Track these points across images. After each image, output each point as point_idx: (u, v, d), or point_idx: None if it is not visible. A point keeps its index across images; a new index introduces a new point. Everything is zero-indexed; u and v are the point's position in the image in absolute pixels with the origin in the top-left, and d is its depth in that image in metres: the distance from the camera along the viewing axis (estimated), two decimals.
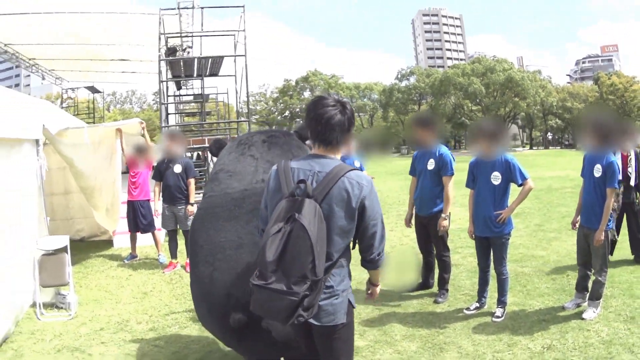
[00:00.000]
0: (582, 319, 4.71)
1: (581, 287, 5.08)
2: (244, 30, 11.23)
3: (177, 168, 7.51)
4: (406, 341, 4.50)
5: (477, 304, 5.16)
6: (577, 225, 5.04)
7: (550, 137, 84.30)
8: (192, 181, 7.62)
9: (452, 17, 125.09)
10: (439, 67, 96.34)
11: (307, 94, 74.76)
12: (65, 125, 6.48)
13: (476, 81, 66.04)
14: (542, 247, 7.89)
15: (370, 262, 2.55)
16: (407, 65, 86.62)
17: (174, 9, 10.85)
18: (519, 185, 4.84)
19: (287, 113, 75.57)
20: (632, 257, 6.70)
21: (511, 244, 7.10)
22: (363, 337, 4.57)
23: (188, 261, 6.74)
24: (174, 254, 7.73)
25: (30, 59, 15.78)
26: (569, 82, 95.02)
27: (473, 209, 5.07)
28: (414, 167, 5.81)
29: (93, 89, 21.43)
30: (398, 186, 17.80)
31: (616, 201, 4.79)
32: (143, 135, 8.69)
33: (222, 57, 12.20)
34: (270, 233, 2.24)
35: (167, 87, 12.37)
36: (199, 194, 8.12)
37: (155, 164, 7.87)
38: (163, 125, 11.42)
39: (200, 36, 12.24)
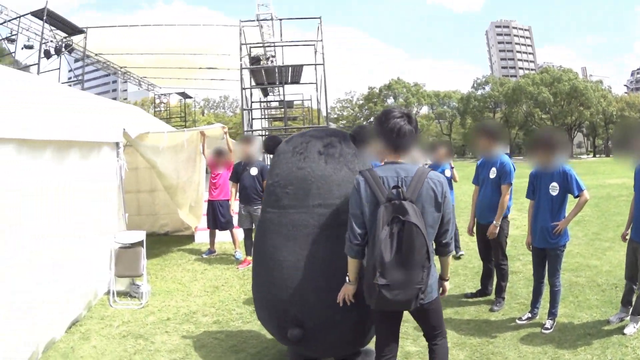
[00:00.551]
0: (623, 334, 4.55)
1: (626, 300, 4.88)
2: (321, 40, 11.47)
3: (254, 171, 7.83)
4: (456, 349, 4.45)
5: (529, 315, 5.03)
6: (627, 238, 4.82)
7: (611, 145, 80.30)
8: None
9: (521, 29, 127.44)
10: (511, 76, 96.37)
11: (390, 101, 75.89)
12: (146, 130, 6.92)
13: (544, 90, 67.24)
14: (597, 257, 7.61)
15: (445, 246, 2.98)
16: (482, 75, 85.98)
17: (254, 20, 11.24)
18: (575, 197, 4.68)
19: (371, 119, 76.40)
20: None
21: (569, 252, 6.84)
22: (416, 343, 4.55)
23: (249, 259, 7.03)
24: (248, 251, 8.01)
25: (121, 67, 17.02)
26: (625, 92, 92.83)
27: (531, 219, 4.97)
28: (477, 175, 5.75)
29: (184, 95, 22.65)
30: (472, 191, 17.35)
31: None
32: (225, 139, 9.10)
33: (301, 66, 12.46)
34: (381, 237, 2.59)
35: (252, 94, 12.79)
36: None
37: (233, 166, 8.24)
38: (246, 129, 11.86)
39: (280, 46, 12.59)
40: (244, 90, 11.57)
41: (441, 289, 3.16)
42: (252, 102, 12.36)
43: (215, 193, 8.67)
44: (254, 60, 12.72)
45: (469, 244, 7.86)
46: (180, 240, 10.33)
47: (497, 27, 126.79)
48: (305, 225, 3.41)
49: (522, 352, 4.33)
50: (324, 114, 14.00)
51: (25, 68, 13.28)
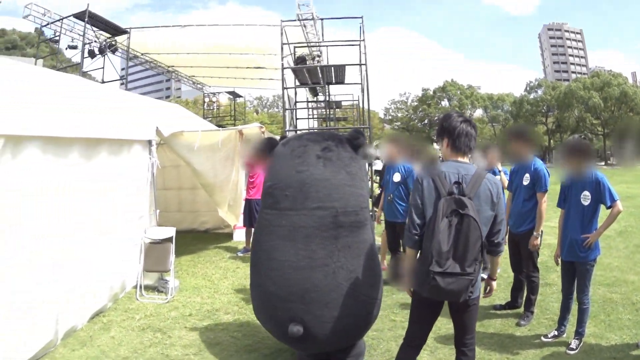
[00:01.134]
0: None
1: None
2: (363, 40, 11.39)
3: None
4: None
5: (556, 332, 4.76)
6: None
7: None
8: None
9: (573, 32, 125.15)
10: (564, 80, 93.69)
11: (444, 103, 74.97)
12: (180, 128, 7.06)
13: (595, 95, 65.21)
14: (635, 272, 7.09)
15: (497, 245, 3.13)
16: (535, 78, 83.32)
17: (295, 20, 11.27)
18: (608, 208, 4.38)
19: (426, 121, 75.52)
20: None
21: (607, 265, 6.53)
22: (433, 355, 4.47)
23: None
24: None
25: (169, 67, 17.50)
26: None
27: (561, 231, 4.71)
28: (511, 181, 5.54)
29: (234, 94, 23.05)
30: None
31: None
32: None
33: (343, 66, 12.41)
34: (440, 227, 2.76)
35: (296, 93, 12.83)
36: None
37: None
38: (287, 129, 11.91)
39: (321, 45, 12.57)
40: (285, 90, 11.62)
41: (488, 287, 3.34)
42: (296, 101, 12.35)
43: (252, 192, 8.80)
44: (299, 60, 12.72)
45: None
46: (219, 237, 10.49)
47: (549, 29, 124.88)
48: (305, 226, 3.49)
49: None
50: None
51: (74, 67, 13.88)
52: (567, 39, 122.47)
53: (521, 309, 5.45)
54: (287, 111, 12.46)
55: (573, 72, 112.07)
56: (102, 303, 5.55)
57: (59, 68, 12.29)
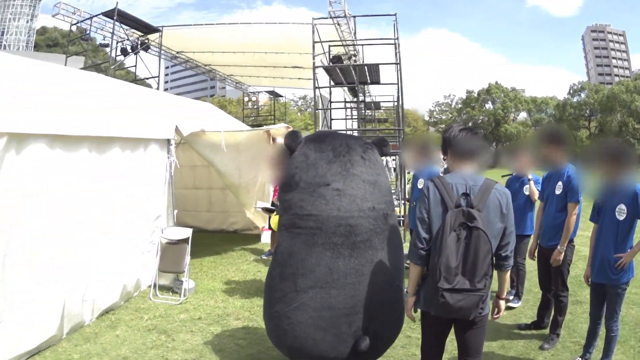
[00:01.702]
0: None
1: None
2: (396, 39, 11.13)
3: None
4: None
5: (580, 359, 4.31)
6: None
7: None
8: None
9: (616, 34, 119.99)
10: (607, 83, 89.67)
11: (488, 106, 73.72)
12: (200, 128, 7.00)
13: (638, 99, 62.67)
14: None
15: (505, 259, 2.91)
16: (578, 81, 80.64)
17: (327, 17, 11.10)
18: None
19: (470, 124, 74.63)
20: None
21: None
22: None
23: None
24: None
25: (205, 65, 17.66)
26: None
27: (592, 248, 4.22)
28: (543, 190, 5.11)
29: (274, 94, 23.15)
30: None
31: None
32: None
33: (377, 65, 12.19)
34: (448, 242, 2.62)
35: (330, 93, 12.66)
36: None
37: None
38: (316, 130, 11.76)
39: (355, 45, 12.37)
40: (318, 90, 11.46)
41: (496, 308, 3.07)
42: (331, 101, 12.19)
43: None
44: (335, 59, 12.55)
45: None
46: (247, 239, 10.38)
47: (592, 31, 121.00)
48: (362, 230, 3.26)
49: None
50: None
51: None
52: (610, 40, 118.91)
53: (547, 330, 5.00)
54: (320, 111, 12.29)
55: (616, 75, 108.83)
56: (112, 301, 5.55)
57: (89, 66, 12.54)
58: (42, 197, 4.48)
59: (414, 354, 4.52)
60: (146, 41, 13.72)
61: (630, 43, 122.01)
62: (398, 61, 11.29)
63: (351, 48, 12.82)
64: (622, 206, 3.87)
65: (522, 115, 75.26)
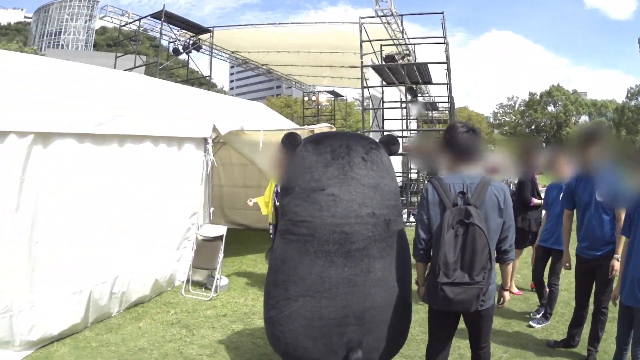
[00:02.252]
0: None
1: None
2: (444, 37, 10.86)
3: None
4: None
5: None
6: None
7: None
8: None
9: None
10: None
11: (550, 109, 71.58)
12: (239, 127, 7.09)
13: None
14: None
15: (505, 253, 3.05)
16: (635, 84, 75.55)
17: (374, 17, 10.96)
18: None
19: (533, 127, 71.68)
20: None
21: None
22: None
23: None
24: None
25: (263, 65, 17.90)
26: None
27: (622, 265, 3.81)
28: (570, 197, 4.63)
29: (334, 93, 23.18)
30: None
31: None
32: None
33: (426, 64, 11.93)
34: (446, 239, 2.78)
35: (383, 92, 12.49)
36: None
37: None
38: (367, 131, 11.66)
39: (407, 44, 12.16)
40: (367, 89, 11.34)
41: (501, 299, 3.25)
42: (383, 101, 12.03)
43: None
44: (389, 58, 12.39)
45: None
46: None
47: None
48: (360, 237, 3.09)
49: None
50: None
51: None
52: None
53: (577, 349, 4.63)
54: (371, 111, 12.16)
55: None
56: (142, 294, 5.72)
57: (138, 65, 13.02)
58: (71, 192, 4.72)
59: (409, 356, 4.46)
60: (198, 41, 14.12)
61: None
62: (447, 60, 11.06)
63: (404, 47, 12.58)
64: None
65: (584, 118, 71.90)
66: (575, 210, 4.57)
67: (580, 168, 4.51)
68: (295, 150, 3.34)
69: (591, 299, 4.49)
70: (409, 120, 15.99)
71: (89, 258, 4.90)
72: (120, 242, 5.33)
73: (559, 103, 70.84)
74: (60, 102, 4.82)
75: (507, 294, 3.25)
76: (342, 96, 24.93)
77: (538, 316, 5.35)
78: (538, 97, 74.08)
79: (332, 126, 9.20)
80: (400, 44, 12.16)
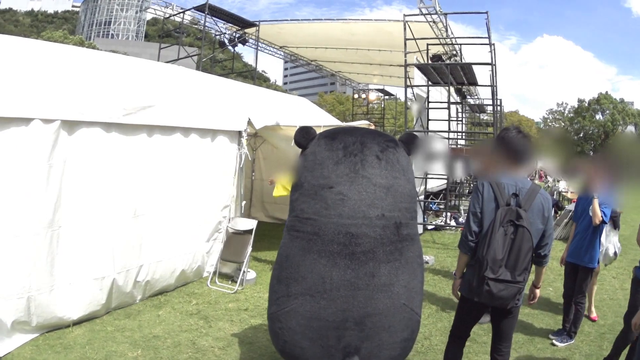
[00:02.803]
0: None
1: None
2: (488, 37, 10.60)
3: None
4: None
5: None
6: None
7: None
8: None
9: None
10: None
11: (598, 117, 68.59)
12: (274, 121, 7.08)
13: None
14: None
15: (544, 257, 3.25)
16: None
17: (418, 14, 10.73)
18: None
19: (581, 134, 68.70)
20: None
21: None
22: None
23: None
24: None
25: (312, 61, 17.87)
26: None
27: None
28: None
29: (384, 92, 22.99)
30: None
31: None
32: None
33: (470, 65, 11.71)
34: (497, 236, 2.98)
35: (428, 92, 12.25)
36: None
37: None
38: (410, 130, 11.44)
39: (451, 44, 11.88)
40: (411, 89, 11.12)
41: (532, 295, 3.49)
42: (429, 101, 11.77)
43: None
44: (436, 58, 12.15)
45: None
46: None
47: None
48: (365, 240, 2.94)
49: None
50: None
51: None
52: None
53: None
54: (415, 110, 11.92)
55: None
56: (167, 283, 5.81)
57: (182, 57, 13.23)
58: (97, 179, 4.83)
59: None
60: (244, 35, 14.23)
61: None
62: (493, 62, 10.93)
63: (451, 47, 12.32)
64: None
65: (629, 128, 68.23)
66: None
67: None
68: (308, 145, 3.22)
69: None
70: (457, 122, 15.64)
71: (113, 246, 4.99)
72: (146, 232, 5.42)
73: (607, 112, 68.07)
74: (89, 90, 4.91)
75: (537, 291, 3.49)
76: (393, 95, 24.62)
77: (562, 335, 5.04)
78: (586, 105, 71.47)
79: (371, 124, 9.03)
80: (445, 44, 11.90)
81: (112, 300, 5.06)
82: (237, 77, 17.07)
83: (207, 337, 4.70)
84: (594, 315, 5.63)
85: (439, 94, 13.18)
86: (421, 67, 11.38)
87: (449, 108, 11.18)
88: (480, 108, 20.45)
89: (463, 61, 12.19)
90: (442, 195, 13.27)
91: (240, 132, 6.67)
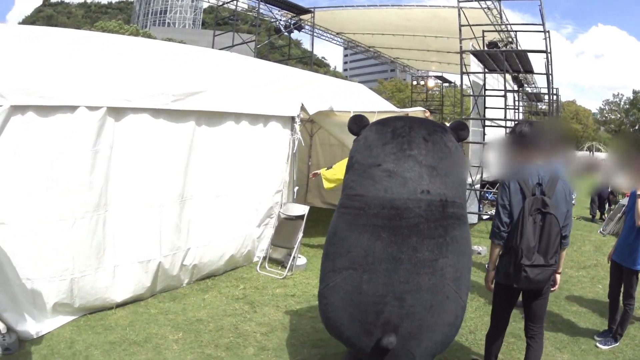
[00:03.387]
0: None
1: None
2: (542, 25, 10.36)
3: None
4: None
5: None
6: None
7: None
8: None
9: None
10: None
11: None
12: (328, 106, 6.95)
13: None
14: None
15: (564, 239, 3.35)
16: None
17: (472, 0, 10.31)
18: None
19: (637, 126, 64.17)
20: None
21: None
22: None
23: None
24: None
25: (369, 47, 17.57)
26: None
27: None
28: None
29: (443, 79, 22.53)
30: None
31: None
32: None
33: (525, 52, 11.55)
34: (527, 225, 3.15)
35: (485, 79, 11.81)
36: None
37: None
38: (466, 117, 11.10)
39: (507, 30, 11.36)
40: (467, 76, 10.74)
41: (552, 281, 3.50)
42: (485, 89, 11.36)
43: None
44: (492, 45, 11.82)
45: None
46: None
47: None
48: (410, 215, 2.97)
49: None
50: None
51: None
52: None
53: None
54: (471, 98, 11.56)
55: None
56: (214, 267, 5.86)
57: (237, 44, 13.25)
58: (144, 164, 4.90)
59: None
60: (299, 21, 14.14)
61: None
62: (548, 50, 10.46)
63: (507, 34, 12.02)
64: None
65: None
66: None
67: None
68: (360, 132, 3.37)
69: None
70: (514, 111, 15.00)
71: (160, 229, 5.06)
72: (194, 216, 5.48)
73: None
74: (137, 78, 4.98)
75: (558, 277, 3.55)
76: (451, 82, 23.98)
77: (607, 337, 4.68)
78: None
79: (427, 110, 8.76)
80: (500, 30, 11.52)
81: (157, 284, 5.14)
82: (297, 63, 17.10)
83: (251, 322, 4.70)
84: None
85: (496, 81, 12.82)
86: (477, 54, 11.17)
87: (505, 96, 10.78)
88: (538, 97, 19.70)
89: (519, 48, 11.68)
90: (498, 184, 12.79)
91: (293, 118, 6.62)
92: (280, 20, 14.35)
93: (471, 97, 11.36)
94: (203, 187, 5.54)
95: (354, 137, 3.41)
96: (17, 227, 4.06)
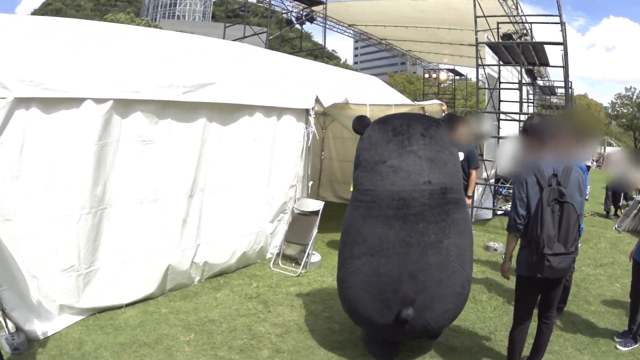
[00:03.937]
0: None
1: None
2: (559, 16, 10.13)
3: (460, 156, 7.01)
4: None
5: None
6: None
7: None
8: (474, 172, 7.07)
9: None
10: None
11: None
12: (343, 99, 6.76)
13: None
14: None
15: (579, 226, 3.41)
16: None
17: None
18: None
19: None
20: None
21: None
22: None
23: None
24: None
25: (381, 39, 17.35)
26: None
27: None
28: None
29: (455, 72, 22.35)
30: None
31: None
32: None
33: (541, 44, 11.30)
34: (546, 216, 3.19)
35: (499, 72, 11.58)
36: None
37: None
38: (481, 110, 10.88)
39: (523, 22, 11.11)
40: (482, 68, 10.51)
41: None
42: (500, 82, 11.15)
43: None
44: (506, 37, 11.70)
45: None
46: None
47: None
48: (415, 203, 3.52)
49: None
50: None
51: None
52: None
53: None
54: (486, 91, 11.36)
55: None
56: (226, 265, 5.69)
57: (248, 36, 13.07)
58: (152, 159, 4.74)
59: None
60: (311, 13, 13.95)
61: None
62: (564, 42, 10.19)
63: (522, 26, 11.97)
64: None
65: None
66: None
67: None
68: (364, 131, 3.89)
69: None
70: (528, 104, 14.78)
71: (168, 225, 4.92)
72: (205, 212, 5.33)
73: None
74: (146, 69, 4.82)
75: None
76: (463, 75, 23.76)
77: (627, 337, 4.48)
78: None
79: (443, 103, 8.56)
80: (515, 22, 11.40)
81: (167, 281, 4.99)
82: (307, 56, 16.92)
83: (265, 323, 4.54)
84: None
85: (510, 75, 12.64)
86: (492, 46, 11.01)
87: (520, 89, 10.58)
88: (551, 90, 19.46)
89: (534, 40, 11.44)
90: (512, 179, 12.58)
91: (307, 111, 6.45)
92: (292, 11, 14.15)
93: (486, 91, 11.13)
94: (214, 182, 5.39)
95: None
96: (22, 223, 3.92)
